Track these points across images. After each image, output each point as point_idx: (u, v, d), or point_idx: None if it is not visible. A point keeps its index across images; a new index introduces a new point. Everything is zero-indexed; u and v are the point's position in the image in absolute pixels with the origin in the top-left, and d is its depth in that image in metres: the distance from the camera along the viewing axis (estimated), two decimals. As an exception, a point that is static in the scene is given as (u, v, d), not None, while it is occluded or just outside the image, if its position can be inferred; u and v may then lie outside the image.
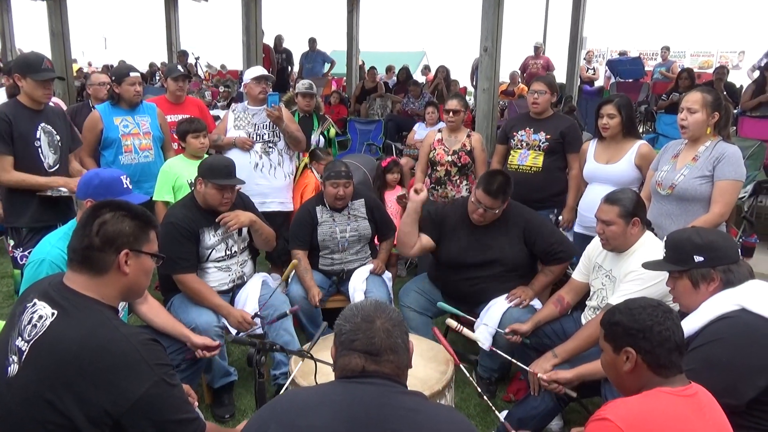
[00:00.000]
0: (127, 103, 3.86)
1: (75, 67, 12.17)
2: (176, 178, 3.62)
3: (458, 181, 4.11)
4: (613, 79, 10.70)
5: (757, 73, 7.27)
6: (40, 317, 1.51)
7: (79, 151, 3.77)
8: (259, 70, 4.22)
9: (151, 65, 13.45)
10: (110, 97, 3.97)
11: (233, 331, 2.88)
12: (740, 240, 4.60)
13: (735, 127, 6.61)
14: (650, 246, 2.51)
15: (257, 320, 2.96)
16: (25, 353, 1.48)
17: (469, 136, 4.14)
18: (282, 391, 2.38)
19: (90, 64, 17.50)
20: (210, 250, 3.00)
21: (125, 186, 2.36)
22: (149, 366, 1.46)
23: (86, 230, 1.56)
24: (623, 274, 2.54)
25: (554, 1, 12.48)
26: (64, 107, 4.00)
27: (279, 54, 10.37)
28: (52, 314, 1.51)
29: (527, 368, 2.56)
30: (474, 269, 3.13)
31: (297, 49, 11.02)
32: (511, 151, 3.91)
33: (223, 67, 12.59)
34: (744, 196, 4.98)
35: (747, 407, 1.77)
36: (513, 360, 2.69)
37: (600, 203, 2.63)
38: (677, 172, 2.90)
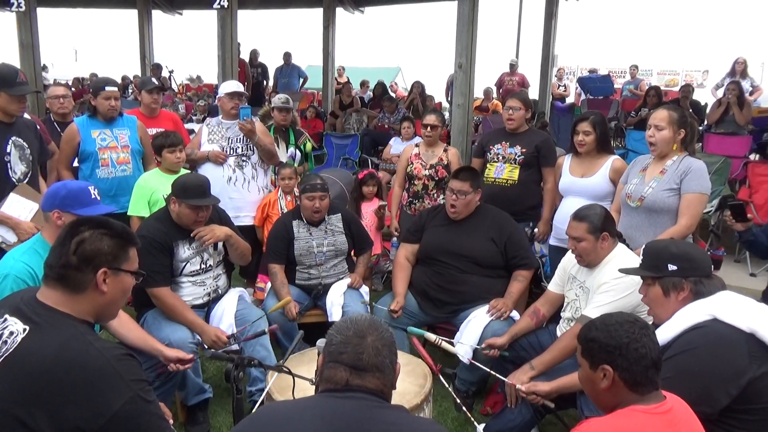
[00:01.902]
0: (103, 117, 3.81)
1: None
2: (152, 192, 3.56)
3: (435, 194, 4.15)
4: (583, 96, 10.94)
5: (720, 92, 7.53)
6: (11, 333, 1.47)
7: (55, 164, 3.71)
8: (232, 86, 4.20)
9: (124, 78, 13.27)
10: (88, 110, 3.92)
11: (208, 347, 2.83)
12: (708, 253, 4.72)
13: (701, 144, 6.81)
14: (622, 257, 2.56)
15: (232, 340, 2.91)
16: None
17: (446, 150, 4.20)
18: (257, 407, 2.34)
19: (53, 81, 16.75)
20: (184, 263, 2.96)
21: (93, 197, 2.33)
22: (125, 381, 1.43)
23: (63, 248, 1.53)
24: (596, 286, 2.58)
25: (526, 19, 12.78)
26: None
27: (254, 68, 10.36)
28: (24, 330, 1.47)
29: (506, 379, 2.57)
30: (451, 259, 3.25)
31: (273, 63, 11.03)
32: (488, 165, 3.96)
33: (198, 79, 12.49)
34: (710, 211, 5.12)
35: (720, 415, 1.80)
36: (492, 372, 2.70)
37: (569, 220, 2.68)
38: (646, 185, 2.98)
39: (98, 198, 2.37)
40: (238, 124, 4.01)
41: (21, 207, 3.06)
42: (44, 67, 12.91)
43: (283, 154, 4.46)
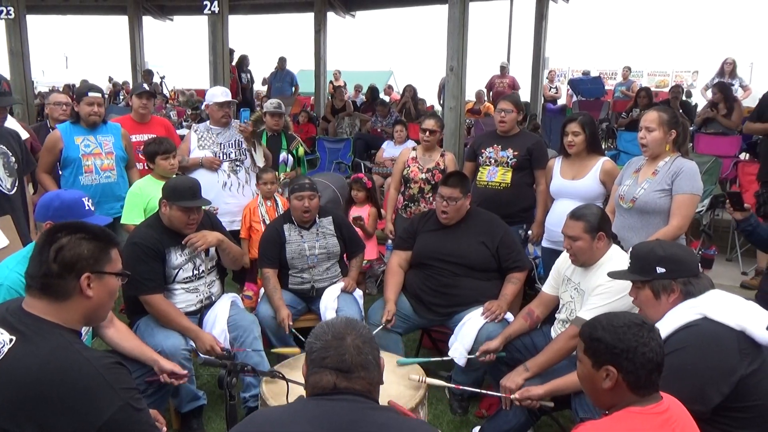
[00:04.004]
0: (86, 123, 3.78)
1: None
2: (149, 200, 3.53)
3: (431, 198, 4.15)
4: (575, 98, 11.00)
5: (710, 93, 7.58)
6: None
7: (37, 172, 3.67)
8: (222, 96, 4.19)
9: (115, 85, 13.24)
10: (70, 116, 3.88)
11: (201, 354, 2.81)
12: (700, 252, 4.74)
13: (691, 144, 6.85)
14: (617, 259, 2.56)
15: (227, 354, 2.88)
16: None
17: (443, 155, 4.21)
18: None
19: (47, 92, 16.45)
20: (177, 270, 2.94)
21: (87, 208, 2.29)
22: (114, 390, 1.41)
23: (43, 256, 1.50)
24: (591, 288, 2.58)
25: (517, 21, 12.86)
26: (21, 128, 3.88)
27: (245, 74, 10.33)
28: (10, 340, 1.45)
29: (498, 394, 2.57)
30: (443, 264, 3.25)
31: (265, 69, 11.04)
32: (480, 168, 3.97)
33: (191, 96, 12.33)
34: (702, 210, 5.15)
35: (713, 413, 1.81)
36: (482, 391, 2.72)
37: (566, 219, 2.69)
38: (638, 186, 2.99)
39: (92, 209, 2.32)
40: (240, 126, 4.04)
41: None
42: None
43: (259, 159, 4.46)
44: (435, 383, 2.58)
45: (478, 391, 2.74)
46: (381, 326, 3.13)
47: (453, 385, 2.84)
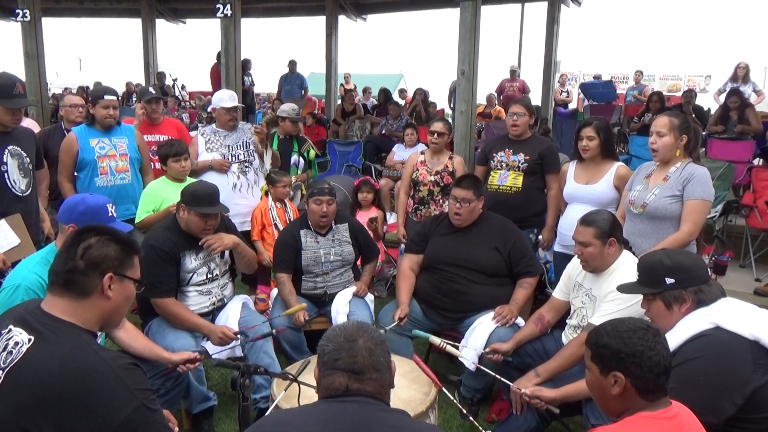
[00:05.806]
0: (101, 125, 3.81)
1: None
2: (162, 201, 3.56)
3: (441, 200, 4.16)
4: (586, 102, 10.95)
5: (723, 97, 7.52)
6: (16, 344, 1.47)
7: (45, 173, 3.70)
8: (229, 100, 4.21)
9: (128, 85, 13.34)
10: (86, 118, 3.92)
11: (213, 355, 2.83)
12: (713, 258, 4.69)
13: (704, 149, 6.80)
14: (629, 265, 2.54)
15: (239, 336, 2.91)
16: (0, 381, 1.44)
17: (451, 158, 4.22)
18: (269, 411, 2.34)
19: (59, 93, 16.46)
20: (191, 274, 2.96)
21: (110, 214, 2.33)
22: (130, 391, 1.42)
23: (70, 253, 1.54)
24: (603, 294, 2.57)
25: (529, 25, 12.84)
26: (37, 129, 3.92)
27: (246, 76, 10.37)
28: (29, 340, 1.47)
29: (511, 384, 2.56)
30: (455, 269, 3.24)
31: (276, 71, 11.07)
32: (491, 172, 3.96)
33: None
34: (715, 216, 5.11)
35: (725, 425, 1.79)
36: (497, 376, 2.69)
37: (576, 225, 2.68)
38: (649, 192, 2.98)
39: (115, 215, 2.36)
40: (254, 128, 4.10)
41: (2, 236, 2.97)
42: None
43: (267, 161, 4.47)
44: (453, 352, 2.77)
45: (493, 374, 2.66)
46: (394, 323, 3.14)
47: (471, 363, 2.88)
